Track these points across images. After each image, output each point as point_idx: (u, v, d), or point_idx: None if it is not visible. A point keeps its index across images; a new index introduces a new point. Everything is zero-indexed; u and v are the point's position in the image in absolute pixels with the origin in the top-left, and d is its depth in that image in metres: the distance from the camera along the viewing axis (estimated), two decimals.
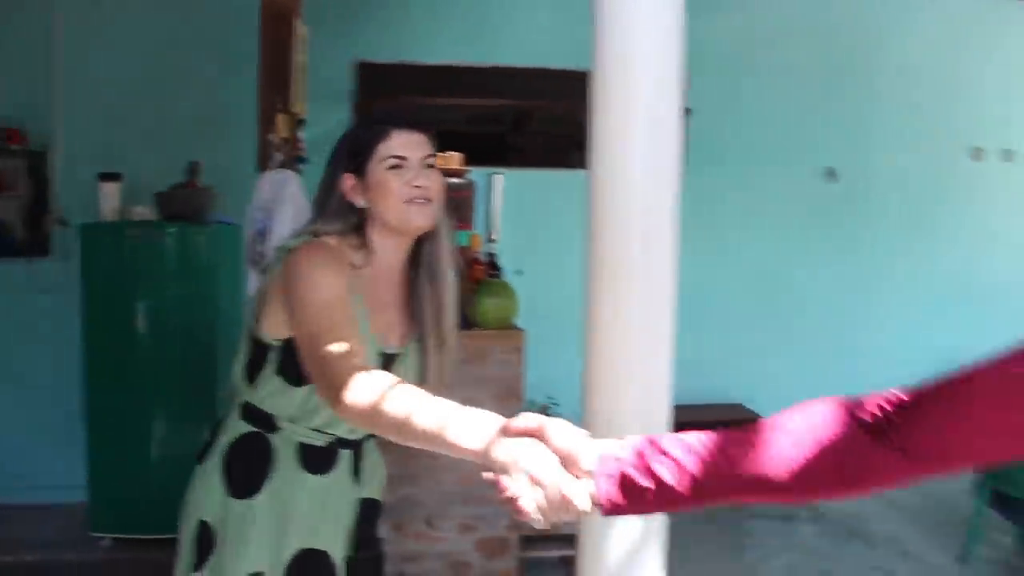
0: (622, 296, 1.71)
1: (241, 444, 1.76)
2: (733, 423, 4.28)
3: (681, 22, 1.79)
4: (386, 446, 1.87)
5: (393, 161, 1.68)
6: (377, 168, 1.68)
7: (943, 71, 5.57)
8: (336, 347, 1.43)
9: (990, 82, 5.65)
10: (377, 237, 1.74)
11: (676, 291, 1.75)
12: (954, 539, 4.27)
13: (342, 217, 1.71)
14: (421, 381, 1.78)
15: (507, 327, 3.46)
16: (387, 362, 1.74)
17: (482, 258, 3.84)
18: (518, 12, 4.94)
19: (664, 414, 1.75)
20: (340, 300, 1.56)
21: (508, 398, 3.35)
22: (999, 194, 5.70)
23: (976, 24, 5.58)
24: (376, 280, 1.75)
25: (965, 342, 5.54)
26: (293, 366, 1.64)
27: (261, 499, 1.73)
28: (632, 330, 1.70)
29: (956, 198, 5.66)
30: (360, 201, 1.70)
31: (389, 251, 1.76)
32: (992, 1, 5.45)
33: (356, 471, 1.84)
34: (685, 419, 5.15)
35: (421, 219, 1.70)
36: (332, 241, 1.69)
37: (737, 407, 5.17)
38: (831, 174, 5.46)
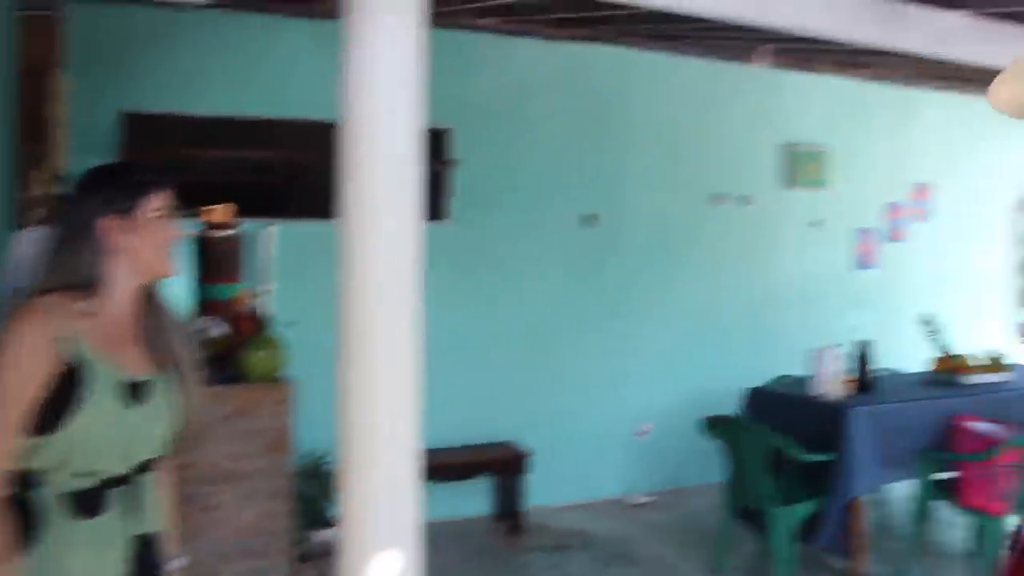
0: (368, 346, 1.82)
1: None
2: (504, 461, 4.46)
3: (423, 79, 1.91)
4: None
5: (160, 212, 1.79)
6: (146, 213, 1.78)
7: (689, 125, 6.14)
8: None
9: (728, 135, 6.29)
10: (123, 278, 1.79)
11: (422, 338, 1.89)
12: (709, 553, 4.68)
13: (88, 260, 1.74)
14: (178, 409, 1.83)
15: (274, 380, 3.47)
16: (138, 391, 1.76)
17: (249, 312, 3.82)
18: (289, 64, 4.95)
19: (411, 458, 1.87)
20: (17, 382, 1.64)
21: (277, 450, 3.37)
22: (737, 234, 6.34)
23: (716, 85, 6.21)
24: (110, 321, 1.78)
25: (712, 370, 6.22)
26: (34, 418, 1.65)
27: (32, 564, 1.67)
28: (378, 377, 1.81)
29: (702, 239, 6.22)
30: (120, 242, 1.76)
31: (127, 293, 1.81)
32: (728, 65, 6.10)
33: (130, 509, 1.78)
34: (456, 459, 5.31)
35: (173, 265, 1.84)
36: (53, 298, 1.70)
37: (508, 445, 5.38)
38: (592, 219, 5.81)
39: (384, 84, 1.86)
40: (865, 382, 4.52)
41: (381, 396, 1.83)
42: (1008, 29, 3.54)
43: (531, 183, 5.64)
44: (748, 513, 4.44)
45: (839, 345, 4.46)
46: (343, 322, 1.88)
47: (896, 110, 7.05)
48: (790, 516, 4.06)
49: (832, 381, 4.32)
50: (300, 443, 3.78)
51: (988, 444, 3.94)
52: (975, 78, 6.51)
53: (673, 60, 5.97)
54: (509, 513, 5.22)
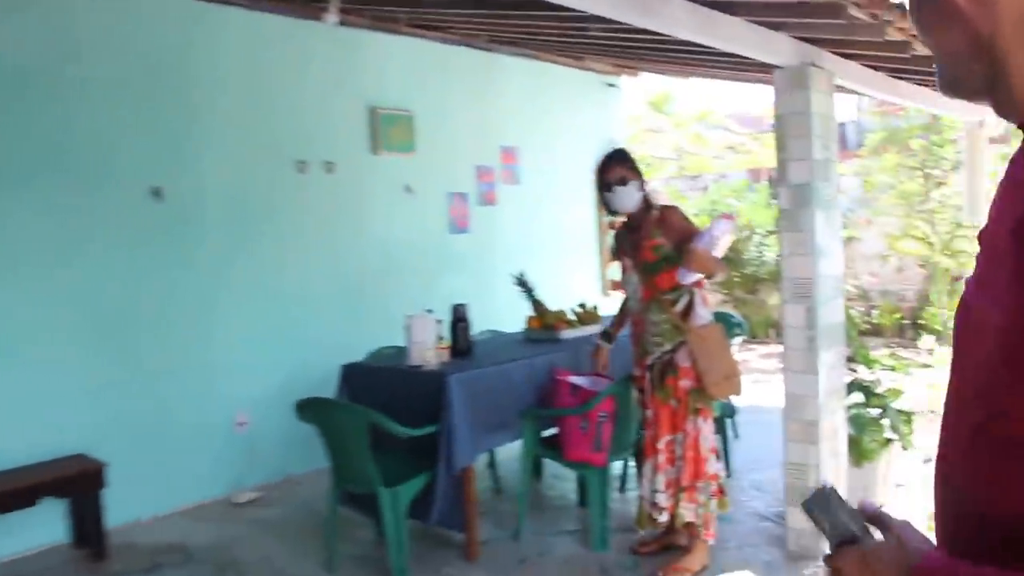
0: None
1: None
2: (75, 477, 3.62)
3: None
4: None
5: None
6: None
7: (267, 87, 5.62)
8: None
9: (310, 98, 5.87)
10: None
11: None
12: (322, 546, 4.31)
13: None
14: None
15: None
16: None
17: None
18: None
19: None
20: None
21: None
22: (325, 203, 5.98)
23: (294, 43, 5.75)
24: None
25: (311, 348, 5.86)
26: None
27: None
28: None
29: (286, 209, 5.76)
30: None
31: None
32: (301, 21, 5.69)
33: None
34: (14, 483, 4.31)
35: None
36: None
37: (79, 457, 4.58)
38: (157, 193, 5.09)
39: None
40: (462, 347, 4.40)
41: None
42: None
43: (82, 155, 4.77)
44: (356, 498, 4.15)
45: (430, 311, 4.29)
46: None
47: (479, 74, 7.13)
48: (398, 496, 3.81)
49: (428, 349, 4.13)
50: None
51: (584, 397, 4.00)
52: (544, 48, 6.83)
53: (247, 15, 5.45)
54: (89, 537, 4.44)
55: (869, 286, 10.26)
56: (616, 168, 3.78)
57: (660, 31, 2.97)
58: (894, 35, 3.31)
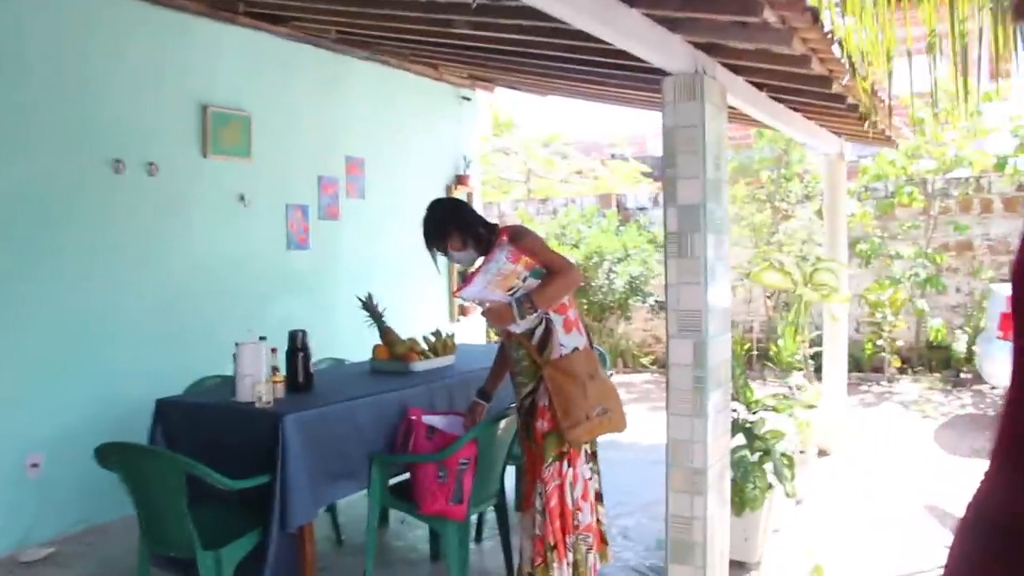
0: None
1: None
2: None
3: None
4: None
5: None
6: None
7: (70, 72, 4.80)
8: None
9: (126, 88, 5.08)
10: None
11: None
12: None
13: None
14: None
15: None
16: None
17: None
18: None
19: None
20: None
21: None
22: (145, 210, 5.20)
23: (101, 22, 4.96)
24: None
25: (123, 378, 5.05)
26: None
27: None
28: None
29: (98, 217, 4.95)
30: None
31: None
32: (116, 3, 4.94)
33: None
34: None
35: None
36: None
37: None
38: None
39: None
40: (301, 381, 3.78)
41: None
42: None
43: None
44: (170, 560, 3.45)
45: (263, 339, 3.66)
46: None
47: (326, 76, 6.53)
48: (221, 560, 3.16)
49: (260, 383, 3.49)
50: None
51: (442, 442, 3.48)
52: (398, 52, 6.32)
53: None
54: None
55: None
56: (436, 242, 3.37)
57: (555, 15, 2.54)
58: (798, 47, 3.01)
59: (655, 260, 9.93)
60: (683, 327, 3.25)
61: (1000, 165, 8.72)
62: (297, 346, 3.80)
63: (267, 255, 6.01)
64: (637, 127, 17.40)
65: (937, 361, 9.13)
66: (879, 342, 9.00)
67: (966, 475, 5.41)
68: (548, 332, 3.19)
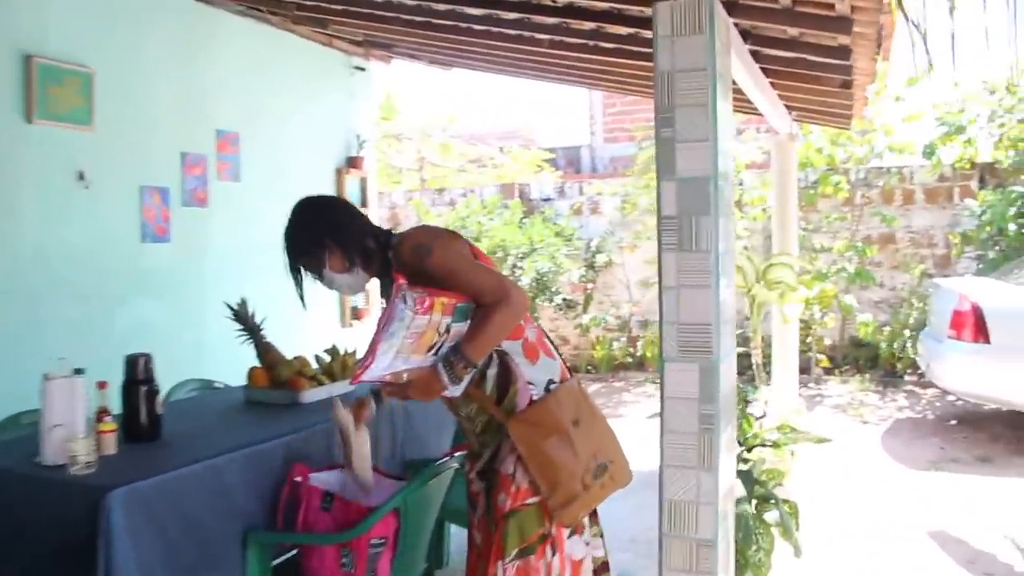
0: None
1: None
2: None
3: None
4: None
5: None
6: None
7: None
8: None
9: None
10: None
11: None
12: None
13: None
14: None
15: None
16: None
17: None
18: None
19: None
20: None
21: None
22: None
23: None
24: None
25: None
26: None
27: None
28: None
29: None
30: None
31: None
32: None
33: None
34: None
35: None
36: None
37: None
38: None
39: None
40: (142, 428, 2.68)
41: None
42: None
43: None
44: None
45: (81, 371, 2.55)
46: None
47: (191, 31, 5.38)
48: None
49: (76, 438, 2.37)
50: None
51: (345, 514, 2.46)
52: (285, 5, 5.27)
53: None
54: None
55: (630, 315, 9.54)
56: (306, 260, 2.39)
57: None
58: None
59: (562, 255, 9.22)
60: (686, 347, 2.35)
61: (928, 153, 8.31)
62: (138, 377, 2.70)
63: (115, 248, 4.83)
64: (530, 117, 16.55)
65: (864, 360, 8.64)
66: (807, 340, 8.42)
67: (935, 491, 4.94)
68: (506, 371, 2.24)
